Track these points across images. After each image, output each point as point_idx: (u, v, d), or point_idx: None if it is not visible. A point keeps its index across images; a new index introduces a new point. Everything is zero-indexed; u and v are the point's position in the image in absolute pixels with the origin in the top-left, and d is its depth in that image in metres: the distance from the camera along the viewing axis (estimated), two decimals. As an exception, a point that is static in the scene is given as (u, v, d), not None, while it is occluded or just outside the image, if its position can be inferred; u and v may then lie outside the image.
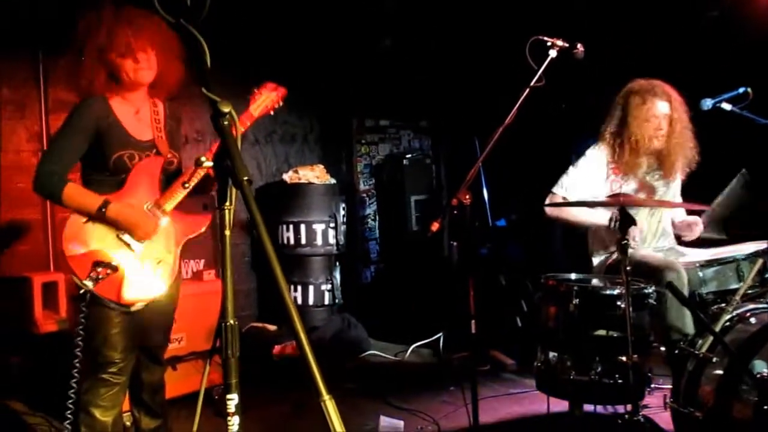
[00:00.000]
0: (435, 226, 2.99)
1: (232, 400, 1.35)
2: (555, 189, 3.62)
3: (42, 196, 2.60)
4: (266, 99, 2.68)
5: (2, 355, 3.89)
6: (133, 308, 2.51)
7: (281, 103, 2.74)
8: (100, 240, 2.49)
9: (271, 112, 2.73)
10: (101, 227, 2.51)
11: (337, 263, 5.54)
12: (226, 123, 1.28)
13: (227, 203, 1.35)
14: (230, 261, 1.34)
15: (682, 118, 3.53)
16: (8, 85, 4.31)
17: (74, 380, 2.43)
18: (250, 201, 1.19)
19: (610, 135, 3.60)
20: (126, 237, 2.52)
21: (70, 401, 2.44)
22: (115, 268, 2.44)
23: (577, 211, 3.59)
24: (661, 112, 3.50)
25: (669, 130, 3.52)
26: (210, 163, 2.05)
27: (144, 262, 2.54)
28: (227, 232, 1.35)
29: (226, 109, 1.29)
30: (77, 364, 2.41)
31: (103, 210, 2.47)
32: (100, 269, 2.40)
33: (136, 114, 2.64)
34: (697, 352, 2.75)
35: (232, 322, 1.35)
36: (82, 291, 2.40)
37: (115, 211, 2.49)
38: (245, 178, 1.22)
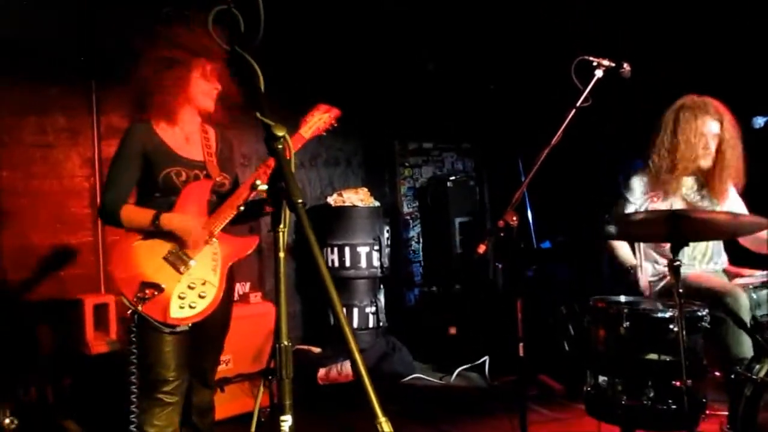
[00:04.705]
0: (482, 248, 2.98)
1: (286, 421, 1.35)
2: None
3: (110, 225, 2.66)
4: (318, 121, 2.72)
5: (56, 375, 3.98)
6: (179, 328, 2.54)
7: (336, 124, 2.77)
8: (146, 261, 2.56)
9: (324, 133, 2.77)
10: (148, 249, 2.58)
11: (381, 286, 5.54)
12: (280, 147, 1.30)
13: (281, 225, 1.36)
14: (284, 283, 1.35)
15: (732, 141, 3.42)
16: (63, 113, 4.46)
17: (133, 405, 2.47)
18: (305, 223, 1.20)
19: (656, 152, 3.52)
20: (172, 258, 2.57)
21: (133, 426, 2.49)
22: (161, 289, 2.50)
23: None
24: (711, 131, 3.41)
25: (717, 150, 3.43)
26: (265, 186, 2.09)
27: (189, 283, 2.58)
28: (281, 255, 1.36)
29: (280, 133, 1.31)
30: (133, 388, 2.46)
31: (157, 221, 2.54)
32: (147, 290, 2.47)
33: (185, 137, 2.71)
34: (755, 377, 2.66)
35: (286, 343, 1.35)
36: (130, 311, 2.46)
37: (168, 219, 2.56)
38: (300, 200, 1.23)
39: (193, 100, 2.69)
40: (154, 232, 2.58)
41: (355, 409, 4.00)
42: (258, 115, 1.32)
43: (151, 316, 2.48)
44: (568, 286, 5.29)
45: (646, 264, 3.52)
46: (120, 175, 2.64)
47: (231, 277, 2.80)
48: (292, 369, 1.35)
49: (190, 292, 2.56)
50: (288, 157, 1.30)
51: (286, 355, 1.35)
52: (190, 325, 2.57)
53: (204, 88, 2.69)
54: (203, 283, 2.60)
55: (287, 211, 1.35)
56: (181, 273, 2.58)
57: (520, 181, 5.48)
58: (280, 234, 1.37)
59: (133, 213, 2.61)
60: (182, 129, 2.72)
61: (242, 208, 2.61)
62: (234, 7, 1.47)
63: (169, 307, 2.51)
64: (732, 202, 3.59)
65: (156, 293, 2.49)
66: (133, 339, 2.46)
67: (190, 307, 2.55)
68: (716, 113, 3.42)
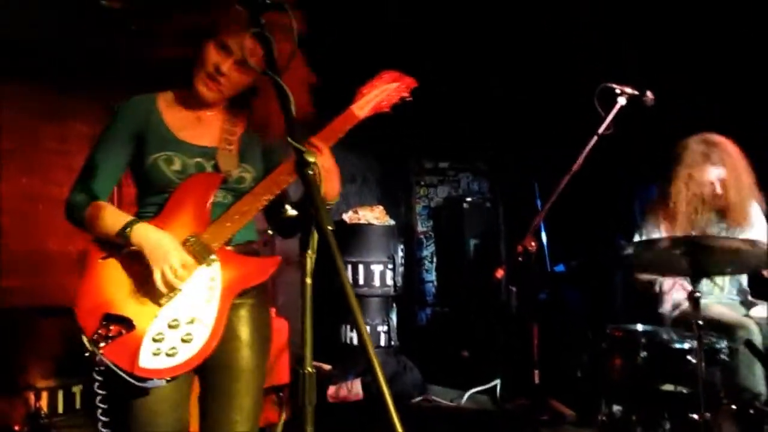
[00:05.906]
0: (500, 273, 2.97)
1: (308, 448, 1.33)
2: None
3: (73, 224, 1.99)
4: (381, 93, 2.20)
5: (66, 383, 3.99)
6: (149, 383, 1.83)
7: (408, 97, 2.26)
8: (114, 286, 1.88)
9: (389, 110, 2.22)
10: (117, 269, 1.90)
11: (394, 304, 5.52)
12: (311, 172, 1.30)
13: (309, 251, 1.36)
14: (310, 308, 1.34)
15: (738, 182, 3.42)
16: (84, 121, 4.49)
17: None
18: (334, 249, 1.19)
19: (668, 200, 3.52)
20: (151, 283, 1.87)
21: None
22: (130, 326, 1.84)
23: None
24: (717, 177, 3.42)
25: (723, 190, 3.44)
26: (294, 212, 1.92)
27: (171, 320, 1.88)
28: (308, 280, 1.34)
29: (311, 159, 1.31)
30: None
31: (128, 231, 1.86)
32: (111, 326, 1.82)
33: (196, 116, 2.05)
34: (773, 412, 2.63)
35: (310, 370, 1.34)
36: (87, 353, 1.80)
37: (143, 231, 1.86)
38: (330, 227, 1.22)
39: (203, 72, 1.97)
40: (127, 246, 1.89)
41: (364, 429, 3.97)
42: (289, 139, 1.32)
43: (114, 361, 1.79)
44: (581, 311, 5.27)
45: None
46: (98, 159, 2.00)
47: (261, 305, 2.15)
48: (315, 396, 1.34)
49: (170, 333, 1.86)
50: (318, 184, 1.29)
51: (309, 382, 1.33)
52: (167, 380, 1.86)
53: (214, 59, 1.94)
54: (190, 321, 1.89)
55: (315, 237, 1.34)
56: (160, 305, 1.88)
57: (535, 204, 5.47)
58: (308, 259, 1.36)
59: (102, 213, 1.91)
60: (195, 106, 2.04)
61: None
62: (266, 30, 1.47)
63: (138, 352, 1.81)
64: (757, 229, 3.56)
65: (123, 331, 1.82)
66: (98, 390, 1.86)
67: (168, 354, 1.84)
68: (719, 158, 3.42)
